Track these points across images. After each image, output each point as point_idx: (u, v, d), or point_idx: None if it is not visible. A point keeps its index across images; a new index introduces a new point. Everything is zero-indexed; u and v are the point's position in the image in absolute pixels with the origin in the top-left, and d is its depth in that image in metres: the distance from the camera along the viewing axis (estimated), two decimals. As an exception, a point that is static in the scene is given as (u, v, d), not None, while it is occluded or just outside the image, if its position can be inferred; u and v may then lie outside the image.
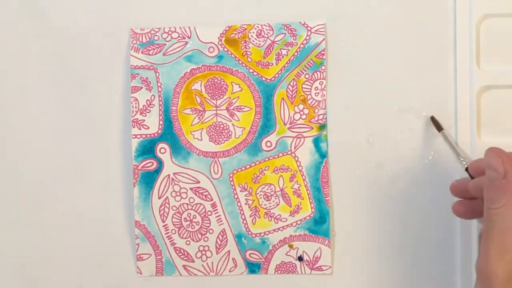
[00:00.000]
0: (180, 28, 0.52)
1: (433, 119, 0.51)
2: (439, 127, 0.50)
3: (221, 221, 0.52)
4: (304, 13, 0.52)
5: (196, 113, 0.52)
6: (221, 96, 0.52)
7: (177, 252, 0.52)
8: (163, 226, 0.52)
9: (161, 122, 0.52)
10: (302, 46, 0.51)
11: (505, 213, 0.37)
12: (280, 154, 0.52)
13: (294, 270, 0.52)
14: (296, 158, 0.52)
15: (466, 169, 0.45)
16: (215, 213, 0.52)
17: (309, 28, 0.51)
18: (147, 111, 0.52)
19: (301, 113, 0.52)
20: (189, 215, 0.52)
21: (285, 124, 0.52)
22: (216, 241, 0.52)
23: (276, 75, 0.52)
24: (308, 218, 0.51)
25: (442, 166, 0.51)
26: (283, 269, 0.52)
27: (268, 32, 0.51)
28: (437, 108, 0.51)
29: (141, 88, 0.52)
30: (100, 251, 0.53)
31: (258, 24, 0.52)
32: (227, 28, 0.52)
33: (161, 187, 0.52)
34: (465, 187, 0.44)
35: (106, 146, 0.53)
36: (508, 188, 0.38)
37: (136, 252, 0.52)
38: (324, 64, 0.51)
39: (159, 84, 0.52)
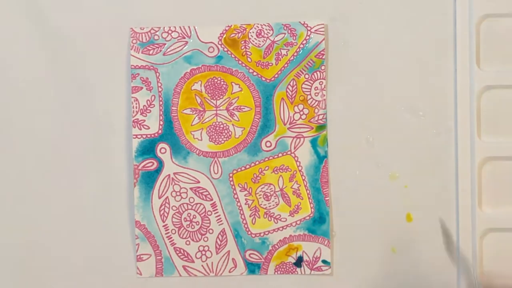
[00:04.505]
0: (180, 27, 0.52)
1: None
2: None
3: (221, 221, 0.52)
4: (304, 13, 0.52)
5: (196, 113, 0.52)
6: (221, 96, 0.52)
7: (177, 252, 0.52)
8: (163, 226, 0.52)
9: (161, 122, 0.52)
10: (302, 46, 0.51)
11: None
12: (280, 154, 0.52)
13: (293, 270, 0.52)
14: (296, 158, 0.51)
15: None
16: (215, 213, 0.52)
17: (309, 28, 0.51)
18: (148, 111, 0.52)
19: (301, 113, 0.51)
20: (189, 215, 0.52)
21: (284, 124, 0.52)
22: (216, 241, 0.52)
23: (276, 75, 0.52)
24: (307, 218, 0.51)
25: (441, 165, 0.51)
26: (282, 269, 0.52)
27: (268, 32, 0.52)
28: (437, 108, 0.51)
29: (142, 88, 0.52)
30: (100, 251, 0.53)
31: (258, 24, 0.52)
32: (227, 28, 0.52)
33: (161, 187, 0.52)
34: None
35: (106, 146, 0.53)
36: None
37: (136, 252, 0.52)
38: (324, 64, 0.51)
39: (159, 84, 0.52)
